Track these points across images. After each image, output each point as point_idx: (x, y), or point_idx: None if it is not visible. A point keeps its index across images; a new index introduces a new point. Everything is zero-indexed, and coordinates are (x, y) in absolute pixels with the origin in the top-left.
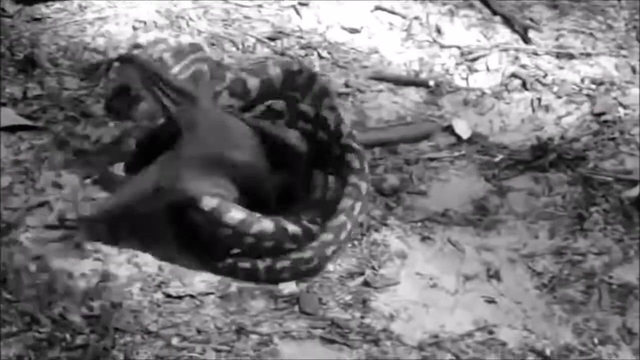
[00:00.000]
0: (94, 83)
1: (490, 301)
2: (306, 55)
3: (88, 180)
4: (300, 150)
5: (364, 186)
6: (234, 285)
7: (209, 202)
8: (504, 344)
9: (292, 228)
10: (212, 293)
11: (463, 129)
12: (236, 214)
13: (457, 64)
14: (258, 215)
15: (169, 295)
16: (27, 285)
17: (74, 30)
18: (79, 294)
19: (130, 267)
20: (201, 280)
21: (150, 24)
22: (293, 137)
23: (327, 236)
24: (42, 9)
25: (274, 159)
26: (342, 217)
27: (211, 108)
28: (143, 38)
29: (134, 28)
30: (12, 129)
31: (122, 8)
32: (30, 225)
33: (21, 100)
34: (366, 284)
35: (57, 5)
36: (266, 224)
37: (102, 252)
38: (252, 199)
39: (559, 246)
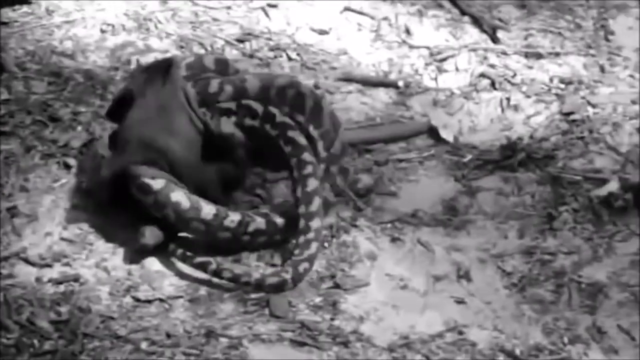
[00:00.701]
0: (61, 87)
1: (460, 302)
2: (275, 57)
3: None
4: (236, 142)
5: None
6: (203, 289)
7: (209, 211)
8: (474, 345)
9: (279, 221)
10: (181, 297)
11: (447, 131)
12: (234, 217)
13: (426, 64)
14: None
15: (137, 300)
16: None
17: (42, 34)
18: (47, 299)
19: (98, 272)
20: (170, 284)
21: (118, 27)
22: (230, 129)
23: (297, 253)
24: (8, 13)
25: (214, 152)
26: (310, 234)
27: (165, 90)
28: (111, 41)
29: (102, 31)
30: None
31: (89, 11)
32: None
33: None
34: (336, 285)
35: (25, 9)
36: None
37: (71, 257)
38: (190, 188)
39: (528, 246)
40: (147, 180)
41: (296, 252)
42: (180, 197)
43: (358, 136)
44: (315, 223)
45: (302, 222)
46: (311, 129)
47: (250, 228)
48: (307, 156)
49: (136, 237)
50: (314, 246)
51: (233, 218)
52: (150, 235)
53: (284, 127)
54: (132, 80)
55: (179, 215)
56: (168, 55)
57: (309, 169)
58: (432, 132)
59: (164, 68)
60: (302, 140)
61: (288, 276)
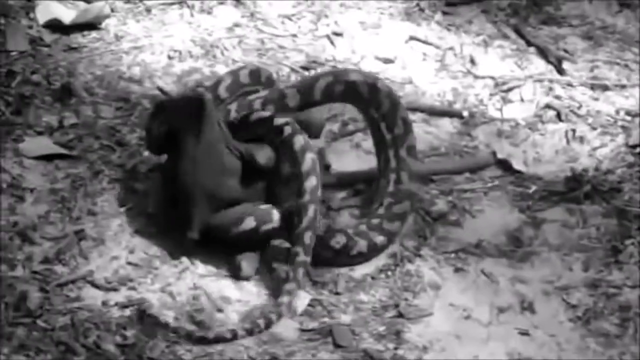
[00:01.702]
0: (128, 112)
1: (524, 333)
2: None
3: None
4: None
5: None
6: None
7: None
8: None
9: (380, 239)
10: (245, 323)
11: (517, 161)
12: (340, 238)
13: (491, 95)
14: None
15: (202, 324)
16: (62, 314)
17: (110, 60)
18: (113, 322)
19: (164, 296)
20: (234, 310)
21: (185, 54)
22: (264, 159)
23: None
24: (78, 38)
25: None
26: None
27: (204, 128)
28: (178, 67)
29: (169, 57)
30: (48, 158)
31: (157, 37)
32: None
33: (57, 129)
34: (400, 315)
35: (94, 34)
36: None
37: (137, 281)
38: None
39: (593, 279)
40: (268, 226)
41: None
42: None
43: (426, 167)
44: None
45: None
46: (372, 110)
47: (354, 251)
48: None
49: (232, 269)
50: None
51: (339, 239)
52: (248, 266)
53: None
54: (165, 116)
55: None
56: (199, 90)
57: (306, 197)
58: (502, 163)
59: (196, 105)
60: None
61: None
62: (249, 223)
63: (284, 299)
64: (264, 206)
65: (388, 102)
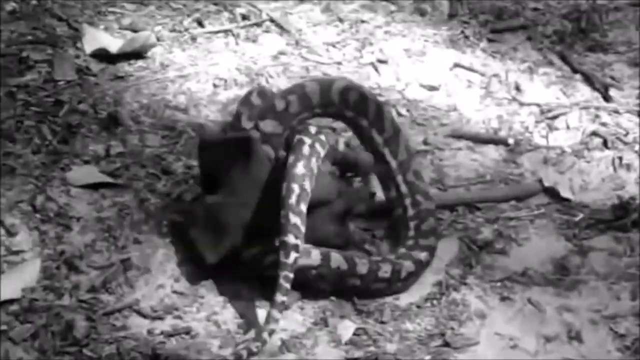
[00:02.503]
0: (174, 141)
1: None
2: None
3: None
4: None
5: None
6: (309, 342)
7: (362, 266)
8: None
9: (423, 255)
10: (290, 352)
11: (564, 189)
12: (386, 267)
13: (537, 122)
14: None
15: (253, 354)
16: (108, 343)
17: (156, 88)
18: (159, 351)
19: (209, 325)
20: (279, 339)
21: (230, 82)
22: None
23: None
24: (125, 67)
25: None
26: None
27: (252, 167)
28: (223, 95)
29: (215, 85)
30: (94, 186)
31: (202, 66)
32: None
33: (104, 158)
34: (446, 344)
35: (140, 63)
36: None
37: (182, 309)
38: None
39: None
40: (305, 261)
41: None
42: (338, 260)
43: (473, 196)
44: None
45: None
46: (374, 134)
47: (403, 274)
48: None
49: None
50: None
51: (386, 269)
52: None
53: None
54: (208, 153)
55: (339, 277)
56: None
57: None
58: (549, 191)
59: (243, 144)
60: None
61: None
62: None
63: (270, 326)
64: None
65: (391, 127)
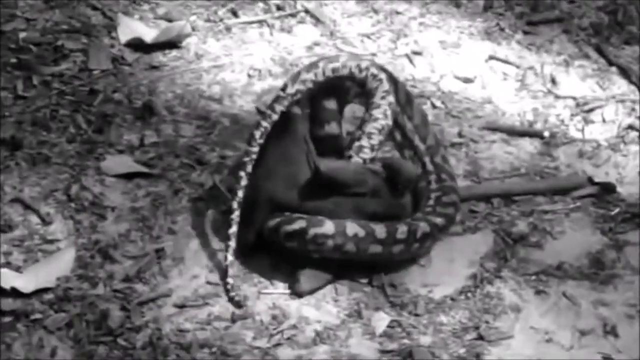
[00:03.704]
0: (208, 131)
1: (607, 357)
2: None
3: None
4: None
5: None
6: (343, 333)
7: (380, 230)
8: None
9: (439, 220)
10: (324, 342)
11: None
12: (402, 227)
13: (572, 115)
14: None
15: (280, 345)
16: (142, 332)
17: (190, 78)
18: (193, 342)
19: (243, 315)
20: (313, 330)
21: (264, 72)
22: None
23: None
24: (159, 57)
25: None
26: None
27: (286, 141)
28: (257, 86)
29: (249, 76)
30: (128, 176)
31: (237, 56)
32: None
33: (138, 148)
34: (480, 337)
35: (174, 53)
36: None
37: (216, 300)
38: None
39: None
40: (319, 230)
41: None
42: (355, 228)
43: (516, 187)
44: None
45: None
46: (405, 120)
47: (419, 234)
48: None
49: (291, 282)
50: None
51: (402, 229)
52: (305, 281)
53: None
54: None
55: (358, 246)
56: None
57: None
58: (597, 184)
59: (283, 121)
60: None
61: None
62: (300, 223)
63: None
64: (321, 217)
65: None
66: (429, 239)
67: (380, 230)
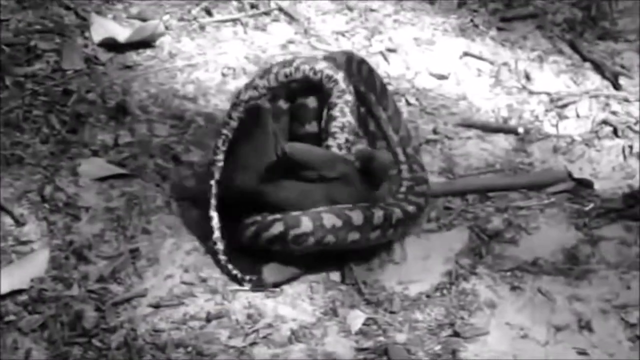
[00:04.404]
0: (183, 130)
1: (582, 353)
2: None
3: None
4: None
5: None
6: (319, 331)
7: (357, 217)
8: None
9: (411, 208)
10: (300, 341)
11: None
12: (378, 212)
13: (547, 111)
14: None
15: (255, 344)
16: (117, 333)
17: (164, 78)
18: (168, 342)
19: (218, 315)
20: (289, 329)
21: (239, 71)
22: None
23: None
24: (133, 57)
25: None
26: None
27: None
28: (232, 85)
29: (223, 75)
30: (103, 176)
31: (211, 55)
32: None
33: (112, 147)
34: (455, 334)
35: (148, 52)
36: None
37: (191, 300)
38: None
39: None
40: (298, 231)
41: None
42: (332, 219)
43: (494, 182)
44: None
45: None
46: (380, 110)
47: (394, 219)
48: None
49: (256, 278)
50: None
51: (378, 214)
52: (270, 274)
53: None
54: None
55: (337, 236)
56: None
57: None
58: (575, 180)
59: (253, 114)
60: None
61: None
62: (278, 227)
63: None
64: (295, 213)
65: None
66: (401, 225)
67: (356, 217)
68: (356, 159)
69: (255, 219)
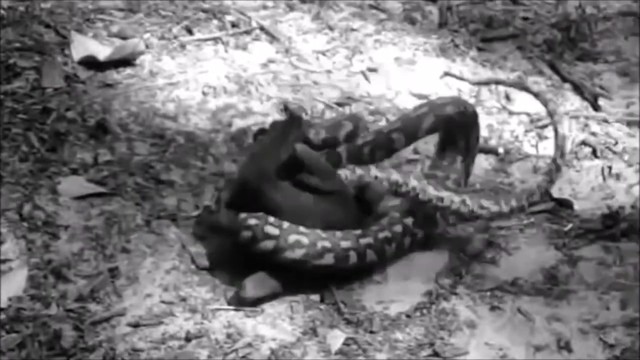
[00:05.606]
0: (163, 149)
1: None
2: (375, 121)
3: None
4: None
5: None
6: (298, 352)
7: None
8: None
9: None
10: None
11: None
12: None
13: (527, 131)
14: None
15: None
16: (96, 352)
17: (145, 96)
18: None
19: (197, 334)
20: (268, 348)
21: (219, 90)
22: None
23: None
24: (113, 75)
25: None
26: None
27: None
28: (212, 104)
29: (204, 93)
30: (82, 195)
31: (191, 74)
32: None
33: (92, 166)
34: (435, 354)
35: (129, 71)
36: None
37: (170, 319)
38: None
39: (631, 317)
40: (291, 255)
41: None
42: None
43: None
44: None
45: None
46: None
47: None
48: None
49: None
50: None
51: (371, 256)
52: (251, 287)
53: None
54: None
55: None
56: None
57: None
58: (556, 201)
59: (288, 123)
60: None
61: None
62: (270, 244)
63: None
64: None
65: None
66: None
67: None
68: (353, 186)
69: (251, 222)
